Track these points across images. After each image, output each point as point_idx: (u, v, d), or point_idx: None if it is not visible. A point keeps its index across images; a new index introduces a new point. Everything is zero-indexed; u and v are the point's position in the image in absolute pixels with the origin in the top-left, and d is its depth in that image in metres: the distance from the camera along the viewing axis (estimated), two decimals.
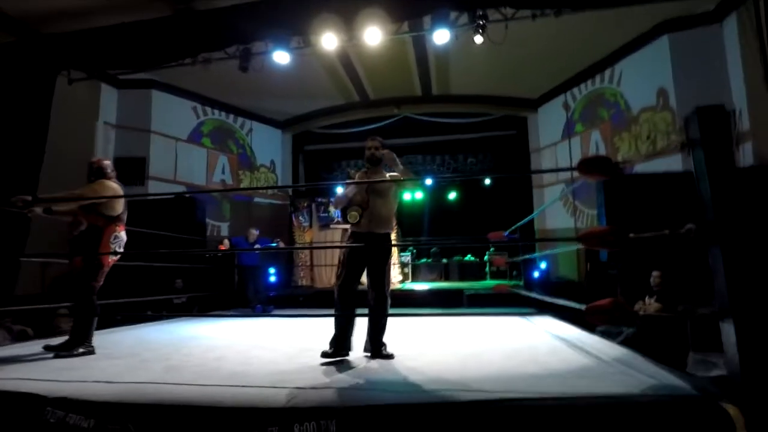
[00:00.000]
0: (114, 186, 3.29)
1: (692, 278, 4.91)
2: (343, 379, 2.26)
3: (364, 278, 3.07)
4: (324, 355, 2.76)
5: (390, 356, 2.86)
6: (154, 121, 8.34)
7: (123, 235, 3.33)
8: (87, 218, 3.22)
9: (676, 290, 4.93)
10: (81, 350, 2.98)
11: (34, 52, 5.86)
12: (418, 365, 2.60)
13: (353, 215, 2.98)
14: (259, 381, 2.20)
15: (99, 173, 3.29)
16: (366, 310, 3.02)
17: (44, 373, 2.38)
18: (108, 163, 3.40)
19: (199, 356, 2.97)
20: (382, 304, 2.97)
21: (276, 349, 3.24)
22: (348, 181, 3.21)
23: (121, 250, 3.30)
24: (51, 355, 2.93)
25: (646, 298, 5.03)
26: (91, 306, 3.15)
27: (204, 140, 9.22)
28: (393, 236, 8.48)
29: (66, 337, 3.20)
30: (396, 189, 3.18)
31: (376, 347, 2.93)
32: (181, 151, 8.78)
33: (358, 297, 3.03)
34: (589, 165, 2.17)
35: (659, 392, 1.91)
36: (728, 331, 1.75)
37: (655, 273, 5.13)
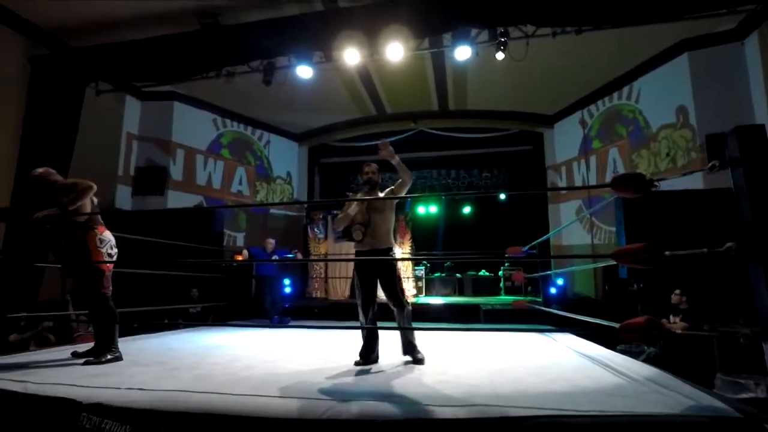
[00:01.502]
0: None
1: (717, 297, 4.85)
2: (376, 392, 2.25)
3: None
4: (356, 364, 3.04)
5: (421, 360, 3.09)
6: (175, 132, 8.52)
7: (107, 235, 3.17)
8: (63, 231, 3.01)
9: (702, 309, 4.85)
10: (109, 357, 3.00)
11: (65, 65, 6.06)
12: (447, 379, 2.58)
13: (357, 233, 3.19)
14: (291, 392, 2.21)
15: (49, 185, 3.06)
16: (387, 321, 3.28)
17: (77, 379, 2.41)
18: (50, 170, 3.15)
19: (226, 365, 2.98)
20: (402, 311, 3.22)
21: (301, 360, 3.24)
22: (348, 198, 3.37)
23: (114, 250, 3.18)
24: (80, 361, 2.96)
25: (671, 317, 4.95)
26: (109, 313, 3.09)
27: (223, 151, 9.38)
28: (405, 249, 8.49)
29: (91, 344, 3.25)
30: (393, 204, 3.36)
31: (409, 350, 3.20)
32: (200, 162, 8.94)
33: (379, 310, 3.27)
34: (622, 182, 2.17)
35: (699, 412, 1.87)
36: None
37: (675, 291, 5.06)
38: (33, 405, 2.13)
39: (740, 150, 1.81)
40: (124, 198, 8.04)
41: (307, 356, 3.44)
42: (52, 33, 6.26)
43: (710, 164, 1.91)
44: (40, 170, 3.13)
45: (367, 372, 2.83)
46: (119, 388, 2.21)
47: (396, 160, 3.13)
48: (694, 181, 6.17)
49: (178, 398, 2.10)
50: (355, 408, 1.91)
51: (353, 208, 3.23)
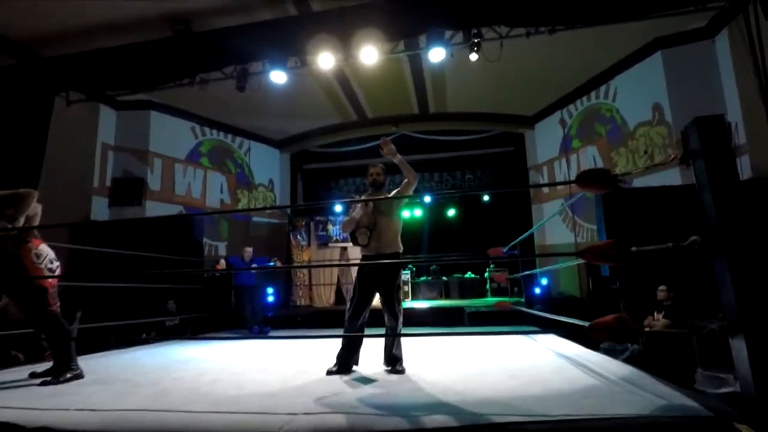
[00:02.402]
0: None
1: (699, 292, 4.85)
2: (338, 403, 2.17)
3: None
4: (329, 372, 2.94)
5: (400, 372, 2.96)
6: (153, 141, 8.36)
7: (44, 248, 2.91)
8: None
9: (684, 305, 4.84)
10: (68, 375, 2.85)
11: (33, 75, 5.90)
12: (417, 387, 2.51)
13: (363, 237, 3.11)
14: (251, 407, 2.11)
15: None
16: (374, 328, 3.18)
17: (28, 401, 2.28)
18: None
19: (191, 380, 2.87)
20: (395, 322, 3.13)
21: (271, 371, 3.13)
22: (349, 200, 3.22)
23: (55, 264, 2.95)
24: (38, 382, 2.81)
25: (655, 314, 4.94)
26: (61, 331, 2.90)
27: (202, 160, 9.23)
28: None
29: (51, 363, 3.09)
30: (399, 206, 3.28)
31: (392, 361, 3.07)
32: (179, 171, 8.78)
33: (366, 318, 3.17)
34: (587, 178, 2.12)
35: (669, 413, 1.82)
36: (739, 347, 1.67)
37: (661, 287, 5.05)
38: None
39: (701, 142, 1.77)
40: (100, 210, 7.85)
41: (281, 367, 3.33)
42: (19, 42, 6.09)
43: (672, 157, 1.87)
44: None
45: (338, 382, 2.74)
46: (68, 410, 2.09)
47: (398, 158, 3.09)
48: (672, 177, 6.22)
49: (131, 418, 1.99)
50: (314, 421, 1.82)
51: (357, 211, 3.14)
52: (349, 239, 3.27)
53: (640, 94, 7.04)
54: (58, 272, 2.97)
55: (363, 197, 3.36)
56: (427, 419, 1.82)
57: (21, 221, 2.83)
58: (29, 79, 5.88)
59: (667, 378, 2.48)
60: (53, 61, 5.99)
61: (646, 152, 6.91)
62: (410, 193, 3.19)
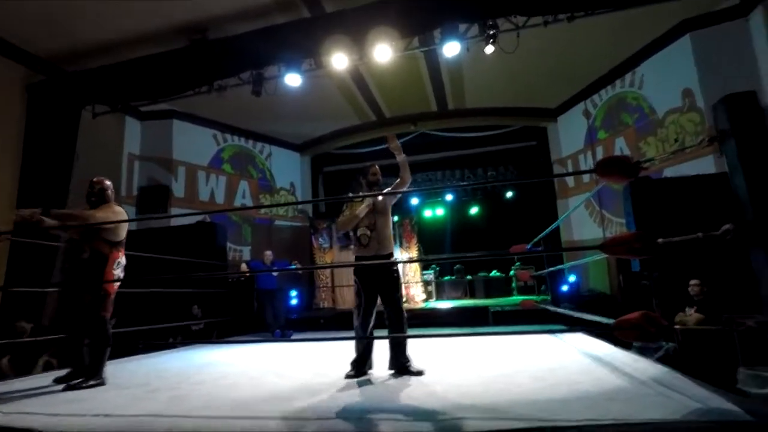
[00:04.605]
0: (122, 211, 3.24)
1: (735, 285, 4.56)
2: (353, 407, 2.11)
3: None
4: (347, 376, 2.88)
5: (420, 372, 2.88)
6: (176, 149, 8.54)
7: (124, 260, 3.23)
8: (90, 245, 3.09)
9: (718, 299, 4.57)
10: (92, 382, 2.91)
11: (59, 90, 6.11)
12: (437, 389, 2.42)
13: (365, 237, 3.05)
14: (265, 411, 2.08)
15: (101, 196, 3.23)
16: (382, 330, 3.09)
17: (48, 407, 2.32)
18: (109, 184, 3.30)
19: (210, 384, 2.87)
20: (400, 320, 3.05)
21: (288, 375, 3.11)
22: (351, 197, 3.14)
23: (122, 274, 3.20)
24: (61, 387, 2.87)
25: (686, 309, 4.68)
26: (105, 338, 3.04)
27: (225, 166, 9.38)
28: (413, 253, 8.32)
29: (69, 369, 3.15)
30: (391, 207, 3.24)
31: (400, 363, 2.96)
32: (202, 178, 8.95)
33: (375, 320, 3.13)
34: (607, 166, 1.99)
35: (704, 417, 1.68)
36: None
37: (693, 281, 4.78)
38: None
39: (730, 121, 1.63)
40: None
41: (300, 370, 3.31)
42: (47, 59, 6.33)
43: (699, 139, 1.73)
44: (96, 178, 3.29)
45: (353, 386, 2.68)
46: (85, 415, 2.11)
47: (402, 156, 3.07)
48: (706, 165, 5.90)
49: (143, 423, 1.99)
50: (326, 426, 1.77)
51: (362, 209, 3.06)
52: (346, 239, 3.21)
53: (668, 80, 6.72)
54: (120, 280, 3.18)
55: (365, 200, 3.25)
56: (442, 425, 1.74)
57: (123, 234, 3.22)
58: (57, 94, 6.10)
59: (706, 378, 2.31)
60: (78, 76, 6.20)
61: (677, 140, 6.59)
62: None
